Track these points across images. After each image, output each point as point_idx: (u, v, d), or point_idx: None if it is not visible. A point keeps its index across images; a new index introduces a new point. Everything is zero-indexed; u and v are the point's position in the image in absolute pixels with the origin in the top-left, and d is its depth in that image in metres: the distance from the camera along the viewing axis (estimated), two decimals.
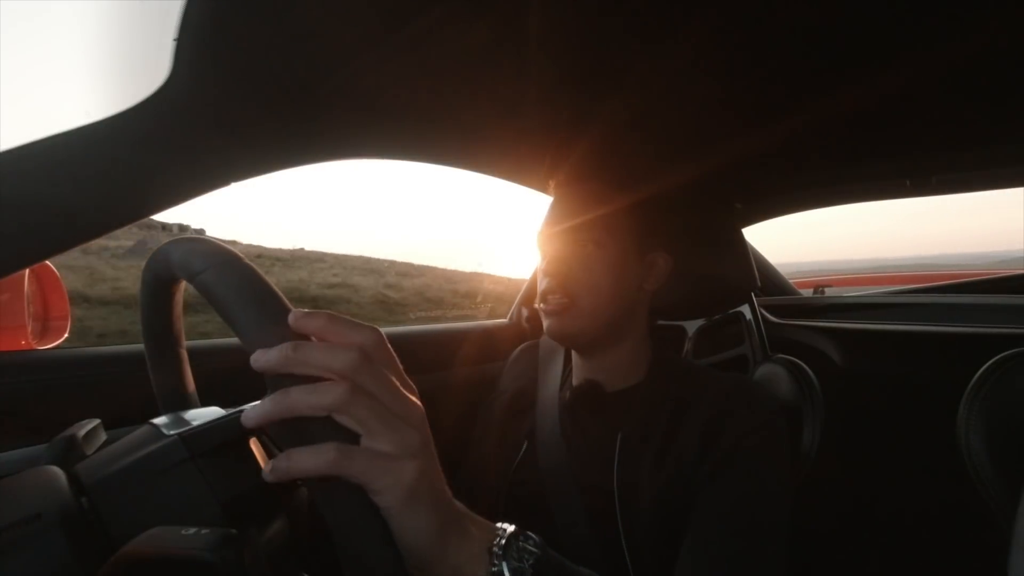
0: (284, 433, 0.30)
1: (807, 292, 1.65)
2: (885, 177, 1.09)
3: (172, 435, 0.37)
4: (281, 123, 0.63)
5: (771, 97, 0.71)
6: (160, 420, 0.40)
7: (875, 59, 0.61)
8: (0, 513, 0.30)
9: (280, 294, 0.32)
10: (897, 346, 1.12)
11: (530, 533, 0.37)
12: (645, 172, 0.77)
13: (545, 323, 0.71)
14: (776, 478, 0.58)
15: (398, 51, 0.55)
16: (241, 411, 0.38)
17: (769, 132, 0.84)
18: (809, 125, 0.82)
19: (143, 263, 0.41)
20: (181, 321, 0.47)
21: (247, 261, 0.33)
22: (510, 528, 0.37)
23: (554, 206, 0.74)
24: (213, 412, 0.42)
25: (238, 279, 0.32)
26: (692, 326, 1.17)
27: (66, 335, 0.83)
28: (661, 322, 1.16)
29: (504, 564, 0.34)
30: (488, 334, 1.33)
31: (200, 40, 0.47)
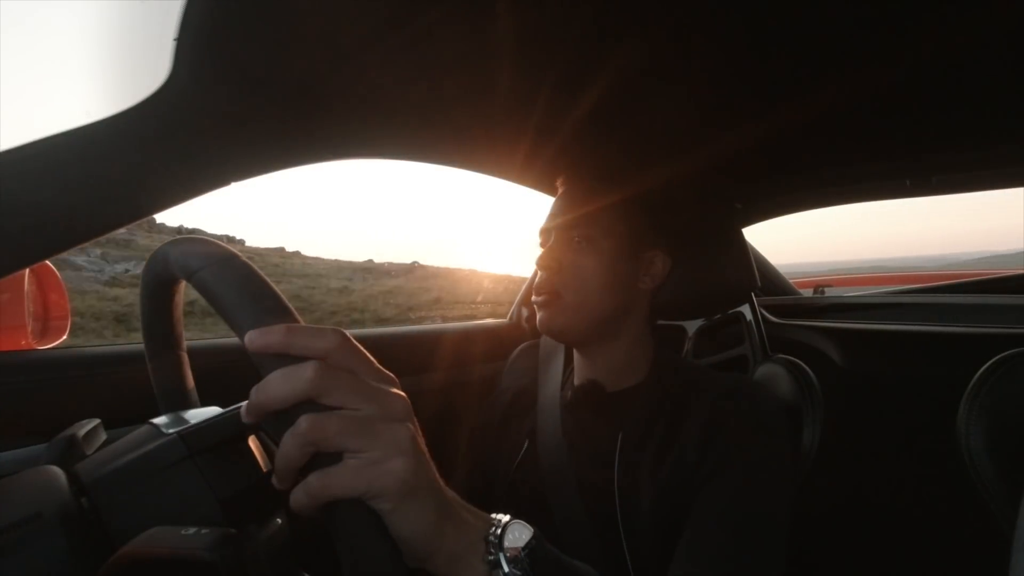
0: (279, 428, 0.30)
1: (807, 292, 1.65)
2: (885, 177, 1.08)
3: (171, 433, 0.37)
4: (281, 123, 0.63)
5: (771, 97, 0.71)
6: (160, 420, 0.40)
7: (875, 59, 0.61)
8: (0, 513, 0.30)
9: (276, 290, 0.32)
10: (897, 346, 1.12)
11: (526, 523, 0.37)
12: (640, 170, 0.77)
13: (537, 317, 0.72)
14: (775, 477, 0.58)
15: (398, 51, 0.55)
16: (239, 408, 0.38)
17: (769, 132, 0.84)
18: (809, 125, 0.82)
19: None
20: (181, 321, 0.47)
21: (244, 259, 0.33)
22: (506, 518, 0.37)
23: (554, 203, 0.75)
24: (213, 412, 0.42)
25: (235, 276, 0.32)
26: (692, 326, 1.17)
27: (66, 335, 0.83)
28: (661, 322, 1.16)
29: (500, 553, 0.34)
30: (488, 334, 1.33)
31: (200, 40, 0.47)
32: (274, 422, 0.29)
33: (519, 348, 0.96)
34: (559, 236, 0.72)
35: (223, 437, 0.37)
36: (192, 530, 0.31)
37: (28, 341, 0.76)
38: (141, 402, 0.49)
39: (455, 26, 0.52)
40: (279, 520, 0.40)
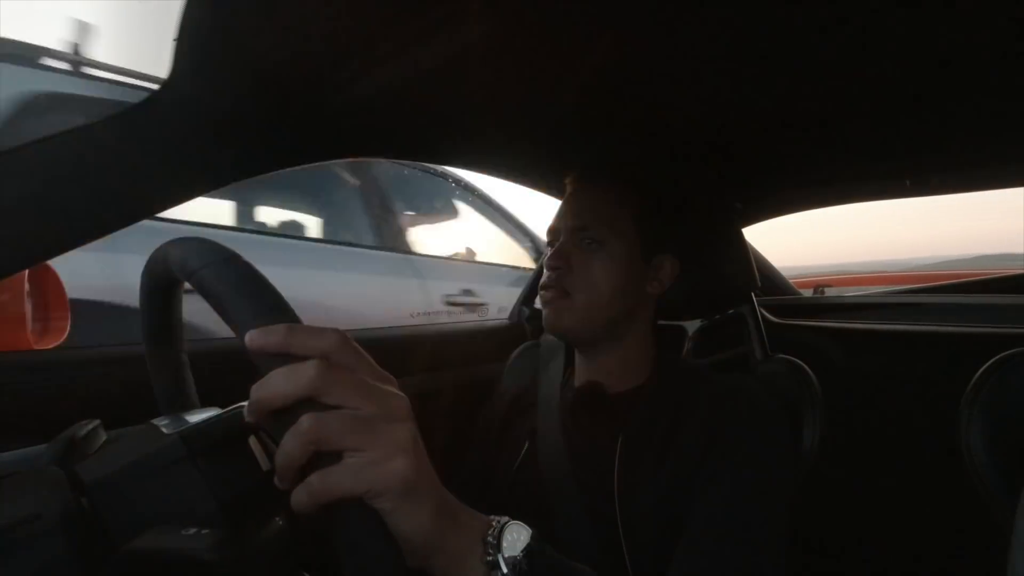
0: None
1: (807, 292, 1.65)
2: (885, 177, 1.08)
3: (171, 433, 0.37)
4: (281, 123, 0.63)
5: (771, 96, 0.71)
6: (160, 420, 0.40)
7: (875, 58, 0.61)
8: (0, 513, 0.30)
9: (276, 289, 0.32)
10: (897, 346, 1.12)
11: (524, 525, 0.37)
12: (647, 172, 0.77)
13: (543, 315, 0.72)
14: (776, 477, 0.58)
15: (399, 50, 0.55)
16: (239, 408, 0.38)
17: (769, 132, 0.84)
18: (810, 125, 0.82)
19: None
20: (181, 322, 0.47)
21: (244, 259, 0.33)
22: (504, 519, 0.37)
23: (563, 202, 0.75)
24: (213, 412, 0.42)
25: (235, 275, 0.32)
26: (692, 326, 1.17)
27: (66, 335, 0.83)
28: (661, 322, 1.16)
29: (499, 554, 0.34)
30: (488, 334, 1.33)
31: (200, 40, 0.47)
32: (274, 421, 0.29)
33: (519, 348, 0.96)
34: (569, 236, 0.72)
35: (223, 437, 0.37)
36: (192, 530, 0.31)
37: (28, 341, 0.76)
38: (141, 402, 0.49)
39: (456, 26, 0.52)
40: (279, 520, 0.40)
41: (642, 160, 0.78)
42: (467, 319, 2.01)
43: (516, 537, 0.36)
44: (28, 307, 0.77)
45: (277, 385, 0.29)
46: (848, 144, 0.91)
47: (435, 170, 2.31)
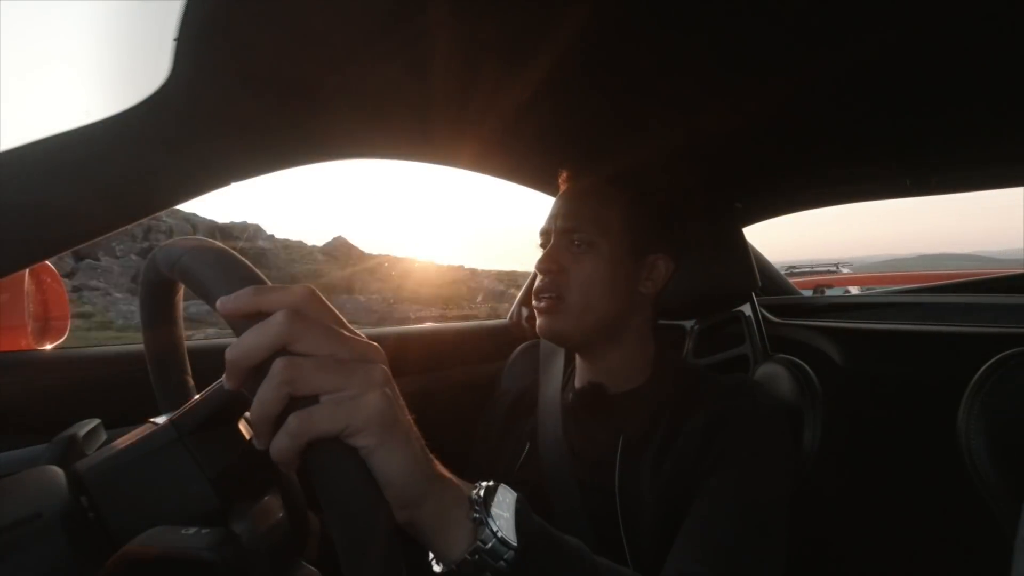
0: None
1: (807, 292, 1.65)
2: (885, 177, 1.08)
3: (163, 423, 0.37)
4: (281, 123, 0.63)
5: (771, 97, 0.71)
6: (160, 420, 0.40)
7: (875, 58, 0.61)
8: (0, 513, 0.30)
9: (248, 264, 0.33)
10: (897, 346, 1.12)
11: (510, 489, 0.37)
12: (642, 172, 0.77)
13: (537, 322, 0.72)
14: (774, 470, 0.59)
15: (398, 51, 0.55)
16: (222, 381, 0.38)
17: (769, 132, 0.84)
18: (810, 125, 0.82)
19: None
20: (181, 322, 0.47)
21: (220, 244, 0.34)
22: (491, 482, 0.37)
23: (554, 204, 0.75)
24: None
25: (208, 255, 0.33)
26: (692, 326, 1.17)
27: (66, 335, 0.83)
28: (661, 322, 1.16)
29: (486, 512, 0.35)
30: (488, 334, 1.33)
31: (200, 40, 0.47)
32: (252, 382, 0.29)
33: (519, 348, 0.96)
34: (559, 238, 0.71)
35: (210, 414, 0.37)
36: (192, 530, 0.31)
37: (28, 341, 0.76)
38: (141, 402, 0.49)
39: (455, 26, 0.52)
40: (279, 514, 0.40)
41: (631, 160, 0.78)
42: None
43: (503, 499, 0.36)
44: (28, 307, 0.77)
45: (248, 341, 0.29)
46: (848, 144, 0.91)
47: None
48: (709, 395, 0.65)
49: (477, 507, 0.35)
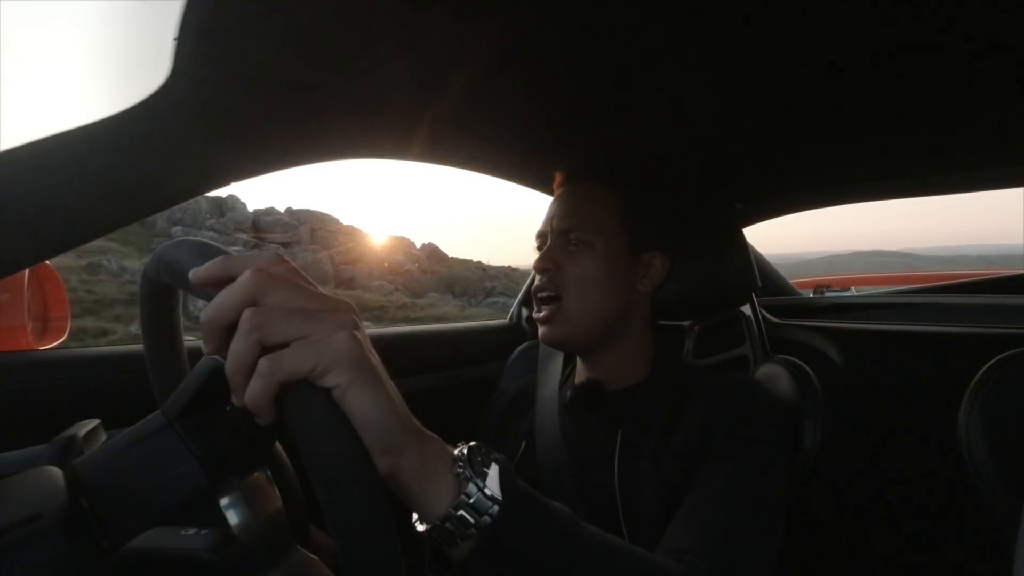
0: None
1: (807, 292, 1.65)
2: (885, 177, 1.08)
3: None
4: (281, 123, 0.63)
5: (771, 96, 0.71)
6: None
7: (875, 58, 0.61)
8: (0, 513, 0.30)
9: (225, 248, 0.33)
10: (897, 346, 1.12)
11: (494, 449, 0.37)
12: (636, 170, 0.77)
13: (539, 331, 0.72)
14: (770, 461, 0.59)
15: (398, 51, 0.55)
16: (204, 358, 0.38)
17: (769, 132, 0.84)
18: (810, 125, 0.82)
19: None
20: (180, 322, 0.47)
21: (208, 240, 0.34)
22: (472, 443, 0.37)
23: (550, 207, 0.75)
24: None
25: (190, 244, 0.34)
26: (692, 326, 1.17)
27: (66, 335, 0.83)
28: (661, 322, 1.16)
29: (470, 468, 0.34)
30: (488, 334, 1.33)
31: (200, 40, 0.47)
32: (226, 342, 0.29)
33: (519, 348, 0.96)
34: (555, 239, 0.72)
35: (195, 392, 0.37)
36: (192, 530, 0.31)
37: (28, 341, 0.76)
38: (141, 402, 0.49)
39: (455, 26, 0.52)
40: (277, 504, 0.40)
41: (626, 159, 0.78)
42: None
43: (488, 457, 0.36)
44: (28, 307, 0.77)
45: (218, 300, 0.29)
46: (848, 144, 0.91)
47: None
48: (707, 391, 0.65)
49: (461, 462, 0.34)
